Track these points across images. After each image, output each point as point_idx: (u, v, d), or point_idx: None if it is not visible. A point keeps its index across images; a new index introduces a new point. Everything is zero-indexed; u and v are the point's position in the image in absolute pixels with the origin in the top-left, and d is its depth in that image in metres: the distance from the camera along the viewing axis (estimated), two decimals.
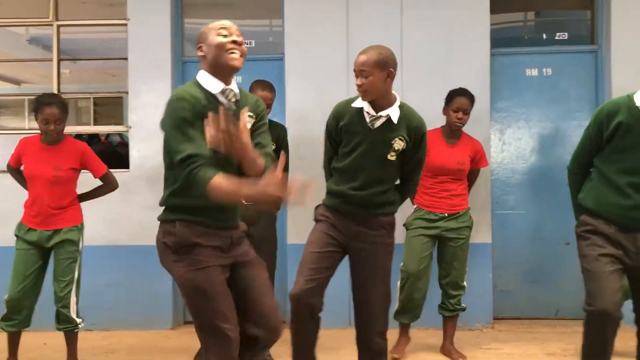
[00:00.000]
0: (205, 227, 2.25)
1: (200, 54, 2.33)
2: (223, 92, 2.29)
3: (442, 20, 4.74)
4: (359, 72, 2.80)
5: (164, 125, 2.23)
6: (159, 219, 2.36)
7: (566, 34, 4.98)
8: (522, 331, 4.61)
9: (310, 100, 4.68)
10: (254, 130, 2.38)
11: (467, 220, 4.01)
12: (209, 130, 2.09)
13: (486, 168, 4.65)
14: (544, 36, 5.08)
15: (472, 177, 4.12)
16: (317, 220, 3.02)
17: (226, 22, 2.33)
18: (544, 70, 4.92)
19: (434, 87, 4.43)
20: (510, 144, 4.97)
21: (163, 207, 2.35)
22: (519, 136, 4.96)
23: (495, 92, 4.87)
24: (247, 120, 2.25)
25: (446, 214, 3.94)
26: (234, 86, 2.33)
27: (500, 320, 4.80)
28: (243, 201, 2.16)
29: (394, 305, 3.87)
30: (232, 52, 2.26)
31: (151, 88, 4.84)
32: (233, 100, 2.31)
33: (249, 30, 5.20)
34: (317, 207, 3.06)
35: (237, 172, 2.24)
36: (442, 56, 4.72)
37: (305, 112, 4.67)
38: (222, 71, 2.29)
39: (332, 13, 4.75)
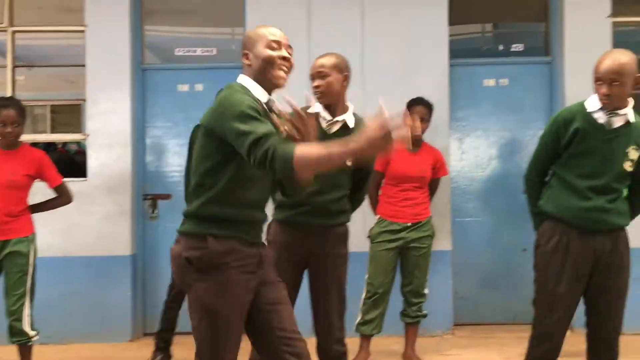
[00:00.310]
0: (237, 242, 2.07)
1: (245, 61, 2.19)
2: (267, 102, 2.17)
3: (402, 32, 4.81)
4: (317, 73, 2.82)
5: (219, 120, 2.01)
6: (182, 230, 2.13)
7: (522, 45, 5.13)
8: (481, 337, 4.69)
9: None
10: None
11: (429, 229, 4.06)
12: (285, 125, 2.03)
13: (446, 176, 4.74)
14: (501, 47, 5.22)
15: (433, 186, 4.18)
16: (269, 242, 2.89)
17: (277, 33, 2.19)
18: (501, 80, 5.04)
19: (395, 97, 4.45)
20: (469, 152, 5.07)
21: (188, 218, 2.13)
22: (478, 145, 5.06)
23: (454, 101, 4.96)
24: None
25: (409, 224, 3.98)
26: (274, 96, 2.22)
27: (461, 326, 4.87)
28: (344, 162, 1.93)
29: (356, 317, 3.90)
30: (280, 69, 2.15)
31: (110, 96, 4.76)
32: (275, 112, 2.20)
33: (211, 38, 5.18)
34: (268, 225, 2.95)
35: None
36: (403, 67, 4.78)
37: None
38: (265, 85, 2.16)
39: (294, 24, 4.76)
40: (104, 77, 4.78)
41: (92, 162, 4.79)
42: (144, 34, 5.06)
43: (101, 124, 4.75)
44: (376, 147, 1.75)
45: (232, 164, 2.05)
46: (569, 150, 2.71)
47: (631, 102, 2.71)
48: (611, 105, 2.62)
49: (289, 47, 2.20)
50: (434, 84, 4.75)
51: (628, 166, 2.68)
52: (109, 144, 4.75)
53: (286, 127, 2.04)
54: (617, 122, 2.66)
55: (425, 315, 4.08)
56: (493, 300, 4.96)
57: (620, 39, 4.93)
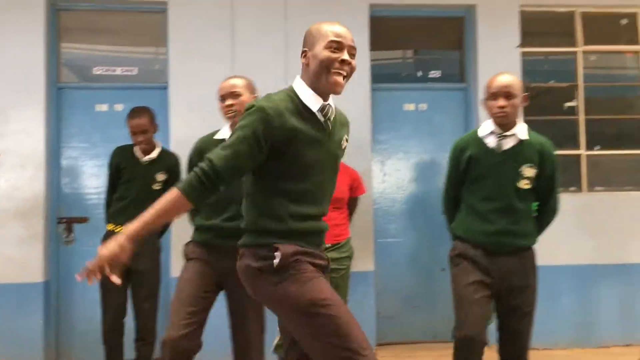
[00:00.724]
0: (303, 244, 2.02)
1: (302, 60, 2.06)
2: (322, 108, 2.05)
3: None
4: (230, 93, 2.84)
5: (236, 127, 1.97)
6: (244, 244, 2.07)
7: (439, 72, 5.33)
8: (404, 356, 4.77)
9: (196, 131, 4.54)
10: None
11: (348, 250, 4.09)
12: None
13: (368, 197, 4.84)
14: (420, 74, 5.40)
15: (352, 205, 4.22)
16: (188, 259, 2.89)
17: (341, 31, 2.01)
18: (420, 105, 5.22)
19: None
20: (391, 174, 5.19)
21: (248, 231, 2.07)
22: (399, 167, 5.20)
23: (377, 125, 5.09)
24: (343, 141, 2.17)
25: (328, 245, 4.00)
26: (331, 101, 2.11)
27: (384, 345, 4.93)
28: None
29: (274, 339, 3.87)
30: (338, 74, 1.99)
31: (22, 114, 4.55)
32: (330, 119, 2.09)
33: (132, 57, 5.07)
34: (187, 245, 2.95)
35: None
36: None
37: (190, 143, 4.58)
38: (320, 89, 2.04)
39: (217, 45, 4.75)
40: (16, 94, 4.57)
41: (2, 183, 4.54)
42: (60, 51, 4.88)
43: (13, 143, 4.53)
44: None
45: (276, 177, 2.01)
46: (467, 176, 2.86)
47: (521, 121, 2.88)
48: (507, 118, 2.76)
49: (353, 48, 2.03)
50: (357, 107, 4.85)
51: (524, 184, 2.79)
52: (21, 165, 4.52)
53: (346, 137, 2.09)
54: (507, 144, 2.79)
55: None
56: (415, 319, 5.06)
57: (529, 68, 5.24)
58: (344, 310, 1.96)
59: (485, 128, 2.86)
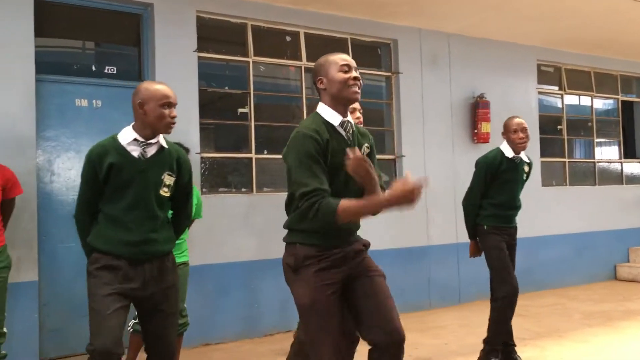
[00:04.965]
0: (316, 248, 2.41)
1: (320, 86, 2.50)
2: (342, 124, 2.47)
3: None
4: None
5: (289, 158, 2.39)
6: (284, 240, 2.52)
7: (115, 68, 5.12)
8: None
9: None
10: (372, 154, 2.63)
11: (4, 259, 3.66)
12: (348, 160, 2.25)
13: (32, 200, 4.39)
14: (94, 68, 5.11)
15: (7, 208, 3.78)
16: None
17: (346, 57, 2.51)
18: (94, 101, 4.93)
19: None
20: (60, 174, 4.79)
21: (287, 230, 2.50)
22: (69, 166, 4.82)
23: (43, 120, 4.64)
24: (364, 149, 2.55)
25: None
26: (350, 118, 2.51)
27: None
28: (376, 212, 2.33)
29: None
30: (354, 87, 2.45)
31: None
32: (350, 132, 2.49)
33: None
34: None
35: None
36: None
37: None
38: (342, 103, 2.48)
39: None
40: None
41: None
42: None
43: None
44: (403, 202, 2.24)
45: None
46: (108, 184, 2.73)
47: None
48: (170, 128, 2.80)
49: (357, 69, 2.50)
50: (16, 100, 4.38)
51: (164, 192, 2.81)
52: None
53: (349, 163, 2.31)
54: (150, 152, 2.78)
55: (4, 356, 3.65)
56: (84, 330, 4.73)
57: (205, 72, 5.42)
58: (323, 324, 2.37)
59: (126, 136, 2.77)
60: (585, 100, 8.46)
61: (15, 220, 4.14)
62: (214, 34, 5.59)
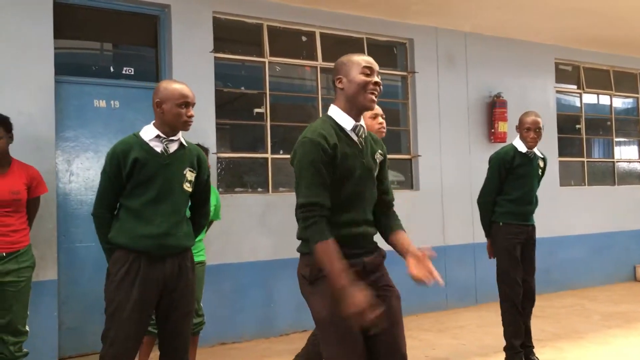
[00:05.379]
0: None
1: (338, 85, 2.36)
2: (354, 128, 2.35)
3: (0, 37, 4.35)
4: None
5: (294, 164, 2.28)
6: (298, 250, 2.36)
7: (132, 69, 5.16)
8: None
9: None
10: (384, 164, 2.49)
11: (29, 258, 3.70)
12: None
13: (52, 200, 4.44)
14: (112, 69, 5.15)
15: (32, 207, 3.82)
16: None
17: (370, 59, 2.36)
18: (112, 102, 4.98)
19: None
20: (79, 174, 4.83)
21: (301, 240, 2.34)
22: (88, 166, 4.87)
23: (62, 121, 4.70)
24: (377, 156, 2.41)
25: (4, 254, 3.55)
26: (363, 122, 2.39)
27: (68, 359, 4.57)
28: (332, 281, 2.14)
29: None
30: (372, 93, 2.32)
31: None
32: (362, 136, 2.38)
33: None
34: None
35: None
36: (1, 76, 4.33)
37: None
38: (356, 107, 2.34)
39: None
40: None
41: None
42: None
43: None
44: (342, 303, 2.08)
45: None
46: (131, 180, 2.77)
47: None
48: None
49: (378, 74, 2.37)
50: (36, 101, 4.43)
51: (187, 187, 2.86)
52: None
53: (380, 152, 2.39)
54: (173, 147, 2.84)
55: (26, 354, 3.69)
56: (102, 328, 4.77)
57: (222, 72, 5.44)
58: (343, 339, 2.20)
59: (149, 133, 2.83)
60: (604, 99, 8.36)
61: (36, 219, 4.19)
62: (230, 35, 5.62)
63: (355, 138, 2.36)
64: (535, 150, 4.21)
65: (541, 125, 4.13)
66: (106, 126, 4.92)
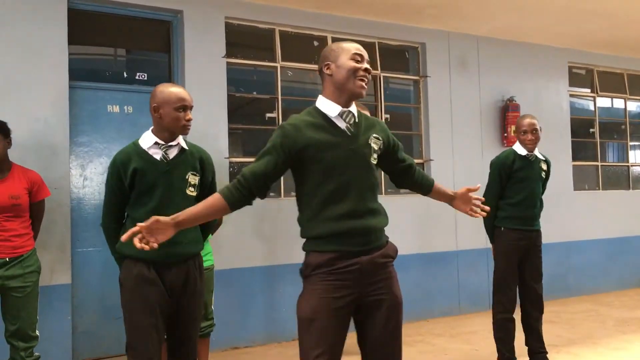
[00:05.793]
0: (332, 254, 2.19)
1: (326, 71, 2.30)
2: (341, 114, 2.27)
3: (13, 45, 4.40)
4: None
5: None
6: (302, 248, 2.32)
7: (145, 74, 5.20)
8: None
9: None
10: (394, 151, 2.44)
11: (33, 263, 3.69)
12: None
13: (65, 204, 4.48)
14: (125, 75, 5.19)
15: (36, 211, 3.79)
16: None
17: (360, 48, 2.32)
18: (126, 107, 5.01)
19: (4, 116, 4.03)
20: (92, 179, 4.87)
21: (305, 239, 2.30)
22: (102, 171, 4.91)
23: (76, 126, 4.74)
24: (372, 140, 2.30)
25: (7, 259, 3.56)
26: (353, 109, 2.31)
27: None
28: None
29: None
30: (362, 80, 2.27)
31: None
32: (352, 122, 2.29)
33: None
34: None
35: None
36: (14, 83, 4.38)
37: None
38: (345, 94, 2.27)
39: None
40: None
41: None
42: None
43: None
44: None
45: (307, 183, 2.23)
46: (134, 190, 2.75)
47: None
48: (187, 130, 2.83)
49: (369, 62, 2.33)
50: (50, 106, 4.48)
51: (190, 192, 2.82)
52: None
53: (375, 136, 2.33)
54: (172, 153, 2.79)
55: (37, 358, 3.72)
56: (114, 332, 4.79)
57: (234, 77, 5.47)
58: (319, 345, 2.14)
59: (147, 140, 2.79)
60: (618, 103, 8.29)
61: (50, 224, 4.24)
62: (242, 40, 5.64)
63: (342, 125, 2.27)
64: (537, 152, 4.19)
65: (538, 127, 4.11)
66: (119, 131, 4.96)
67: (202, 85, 5.14)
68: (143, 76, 5.20)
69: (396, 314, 2.27)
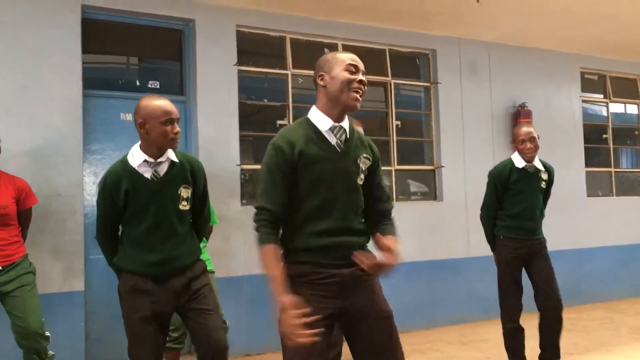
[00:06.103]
0: (310, 267, 2.16)
1: (320, 82, 2.23)
2: (332, 129, 2.21)
3: (28, 54, 4.46)
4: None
5: (262, 166, 2.22)
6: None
7: (158, 83, 5.25)
8: None
9: None
10: (374, 170, 2.31)
11: (27, 266, 3.71)
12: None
13: (79, 212, 4.52)
14: (138, 83, 5.25)
15: (24, 219, 3.80)
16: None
17: (355, 57, 2.26)
18: None
19: (20, 124, 4.10)
20: None
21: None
22: None
23: (89, 134, 4.79)
24: (361, 160, 2.25)
25: (0, 267, 3.59)
26: (345, 124, 2.24)
27: None
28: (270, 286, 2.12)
29: None
30: (356, 92, 2.19)
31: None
32: (342, 138, 2.22)
33: None
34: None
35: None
36: (29, 92, 4.43)
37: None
38: (339, 107, 2.21)
39: None
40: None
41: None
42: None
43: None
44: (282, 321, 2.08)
45: (292, 197, 2.17)
46: (127, 210, 2.72)
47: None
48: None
49: (364, 73, 2.25)
50: (64, 114, 4.53)
51: (183, 206, 2.78)
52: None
53: (365, 156, 2.25)
54: (162, 170, 2.74)
55: (52, 357, 3.76)
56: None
57: (245, 85, 5.50)
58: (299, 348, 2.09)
59: (137, 158, 2.73)
60: (632, 108, 8.23)
61: (63, 231, 4.28)
62: (253, 48, 5.68)
63: (333, 140, 2.21)
64: (537, 162, 4.11)
65: (535, 135, 4.05)
66: (132, 139, 4.89)
67: (214, 92, 5.18)
68: (155, 84, 5.25)
69: (384, 327, 2.20)
